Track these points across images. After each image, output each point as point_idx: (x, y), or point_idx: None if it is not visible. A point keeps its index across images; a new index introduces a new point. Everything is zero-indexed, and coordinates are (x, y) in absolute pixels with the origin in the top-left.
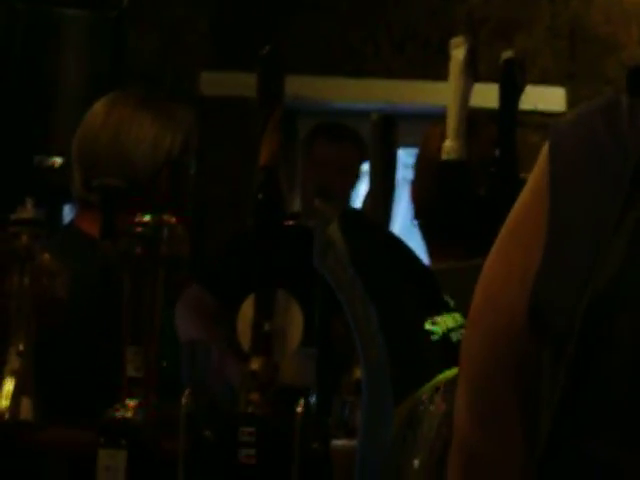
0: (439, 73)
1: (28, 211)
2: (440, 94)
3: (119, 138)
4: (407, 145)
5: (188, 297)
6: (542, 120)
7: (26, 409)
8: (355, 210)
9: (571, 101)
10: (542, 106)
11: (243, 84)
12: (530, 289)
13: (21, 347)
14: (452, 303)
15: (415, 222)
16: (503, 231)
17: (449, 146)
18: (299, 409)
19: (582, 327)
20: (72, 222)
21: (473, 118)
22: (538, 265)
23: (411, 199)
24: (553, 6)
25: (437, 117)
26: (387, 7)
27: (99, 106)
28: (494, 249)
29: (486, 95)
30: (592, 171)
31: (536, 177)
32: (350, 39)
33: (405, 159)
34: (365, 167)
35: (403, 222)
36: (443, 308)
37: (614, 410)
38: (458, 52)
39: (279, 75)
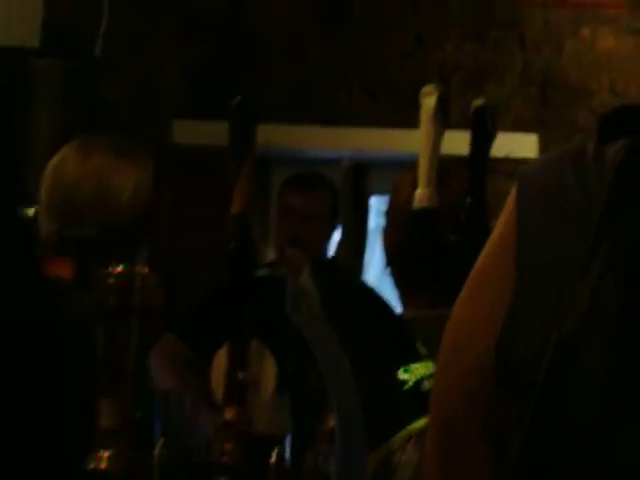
0: (412, 121)
1: None
2: (413, 142)
3: (102, 187)
4: (381, 192)
5: (162, 346)
6: (514, 167)
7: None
8: (326, 259)
9: (543, 148)
10: (514, 153)
11: (217, 132)
12: (497, 334)
13: None
14: (424, 351)
15: (387, 270)
16: (471, 276)
17: (420, 194)
18: (273, 459)
19: (547, 372)
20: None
21: (444, 166)
22: (505, 312)
23: (383, 247)
24: (525, 54)
25: (410, 164)
26: (360, 55)
27: (71, 154)
28: (462, 295)
29: (458, 143)
30: (559, 217)
31: (503, 222)
32: (323, 87)
33: (379, 206)
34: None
35: (378, 269)
36: (416, 356)
37: (579, 453)
38: (429, 100)
39: (251, 124)
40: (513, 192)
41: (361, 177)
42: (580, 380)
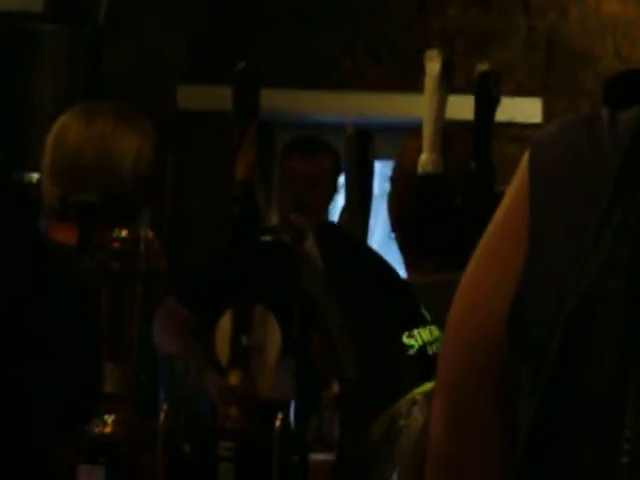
0: (416, 85)
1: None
2: (417, 106)
3: (105, 152)
4: (385, 158)
5: (165, 311)
6: (518, 132)
7: None
8: (331, 224)
9: (547, 113)
10: (519, 118)
11: (220, 98)
12: (510, 300)
13: None
14: (428, 316)
15: (393, 235)
16: (483, 242)
17: (425, 159)
18: (278, 423)
19: (560, 337)
20: (44, 235)
21: (449, 131)
22: (519, 276)
23: (388, 213)
24: (529, 19)
25: (415, 129)
26: (363, 19)
27: (74, 119)
28: (473, 260)
29: (462, 107)
30: (573, 183)
31: (516, 188)
32: (327, 52)
33: (383, 171)
34: (342, 180)
35: (382, 235)
36: (420, 321)
37: (591, 418)
38: (433, 65)
39: (254, 90)
40: (525, 159)
41: (365, 143)
42: (594, 348)
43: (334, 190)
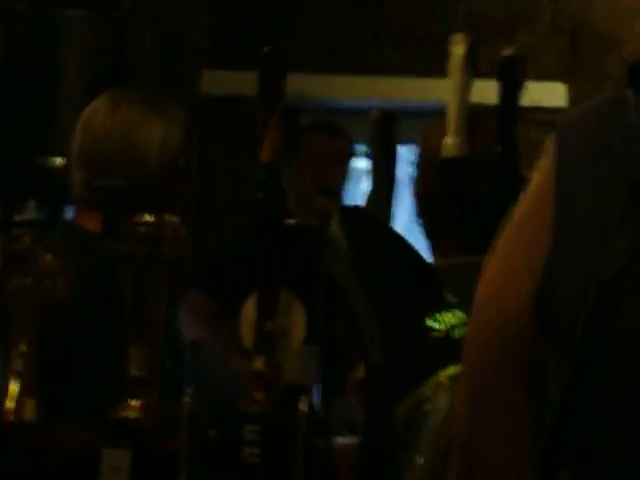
0: (441, 69)
1: (29, 212)
2: (442, 91)
3: (129, 139)
4: (409, 142)
5: (189, 301)
6: (543, 116)
7: (30, 410)
8: (356, 207)
9: (572, 97)
10: (544, 102)
11: (245, 82)
12: (536, 284)
13: (24, 348)
14: (453, 300)
15: (418, 219)
16: (508, 226)
17: (450, 143)
18: (302, 407)
19: (587, 319)
20: (72, 222)
21: (474, 114)
22: (543, 259)
23: (413, 197)
24: (555, 3)
25: (440, 114)
26: (389, 3)
27: (101, 106)
28: (499, 244)
29: (487, 92)
30: (599, 165)
31: (542, 171)
32: (352, 36)
33: (409, 156)
34: (359, 164)
35: (406, 221)
36: (444, 305)
37: (618, 403)
38: (458, 49)
39: (280, 74)
40: (551, 142)
41: (390, 126)
42: (620, 327)
43: (348, 174)
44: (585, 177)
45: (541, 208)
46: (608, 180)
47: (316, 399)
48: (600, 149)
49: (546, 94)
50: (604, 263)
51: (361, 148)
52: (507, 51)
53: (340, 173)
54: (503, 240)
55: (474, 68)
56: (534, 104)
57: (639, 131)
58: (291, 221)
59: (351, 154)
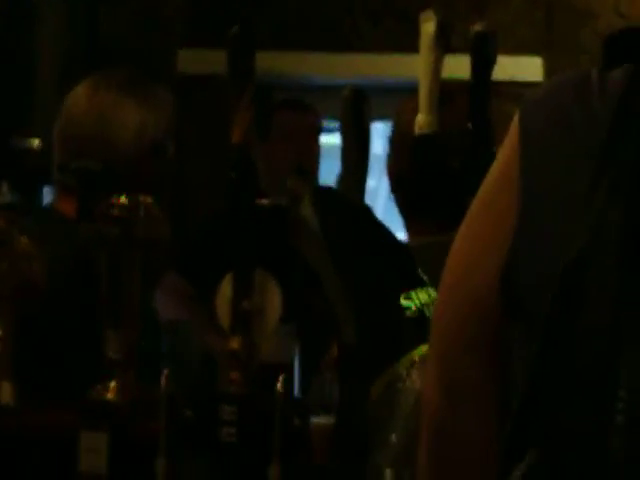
0: (416, 46)
1: (3, 195)
2: (417, 66)
3: (104, 123)
4: (386, 119)
5: (166, 284)
6: (519, 90)
7: (7, 393)
8: (327, 187)
9: (548, 71)
10: (520, 76)
11: (221, 61)
12: (502, 261)
13: (0, 332)
14: (426, 278)
15: (392, 196)
16: (474, 205)
17: (422, 120)
18: (279, 387)
19: (553, 298)
20: (50, 205)
21: (446, 90)
22: (510, 238)
23: (387, 173)
24: None
25: (415, 90)
26: None
27: (81, 90)
28: (464, 224)
29: (461, 67)
30: (562, 143)
31: (506, 150)
32: (326, 13)
33: (386, 132)
34: (334, 141)
35: (386, 196)
36: (417, 283)
37: (583, 383)
38: (428, 26)
39: (249, 54)
40: (515, 119)
41: (361, 104)
42: (586, 310)
43: (320, 150)
44: (548, 154)
45: (506, 187)
46: (572, 159)
47: (293, 378)
48: (562, 126)
49: (522, 68)
50: (569, 243)
51: (336, 125)
52: (478, 27)
53: (314, 149)
54: (469, 220)
55: (446, 44)
56: (510, 78)
57: (601, 109)
58: (264, 201)
59: (321, 130)
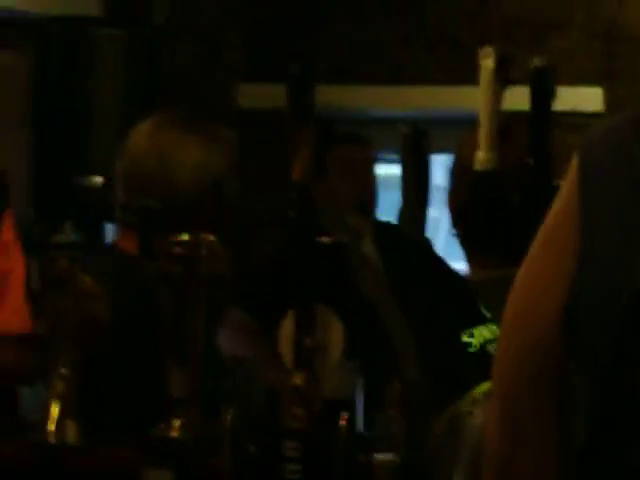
0: (475, 77)
1: (67, 234)
2: (476, 99)
3: (164, 162)
4: (447, 151)
5: (231, 319)
6: (580, 121)
7: (72, 432)
8: (389, 224)
9: (609, 101)
10: (580, 107)
11: (282, 96)
12: (563, 302)
13: (64, 371)
14: (488, 315)
15: (453, 231)
16: (535, 244)
17: (482, 157)
18: (343, 423)
19: (616, 334)
20: (113, 243)
21: (507, 124)
22: (571, 276)
23: (448, 207)
24: (588, 6)
25: (473, 123)
26: (420, 9)
27: (143, 128)
28: (526, 260)
29: (522, 99)
30: (622, 180)
31: (567, 188)
32: (384, 45)
33: (448, 164)
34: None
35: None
36: (479, 320)
37: None
38: (487, 62)
39: (309, 91)
40: (575, 159)
41: (420, 140)
42: None
43: (378, 182)
44: (609, 194)
45: (567, 224)
46: (631, 196)
47: (356, 414)
48: (622, 164)
49: (582, 98)
50: (630, 281)
51: (394, 157)
52: (538, 61)
53: (372, 182)
54: (530, 256)
55: (505, 80)
56: (571, 109)
57: None
58: (325, 239)
59: (376, 162)
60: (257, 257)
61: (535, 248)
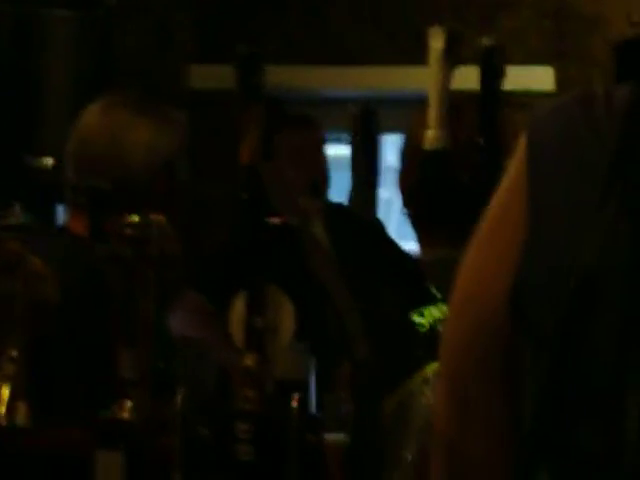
0: (426, 58)
1: (16, 216)
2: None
3: (115, 142)
4: (398, 131)
5: (185, 301)
6: (531, 100)
7: (21, 414)
8: (338, 204)
9: (559, 80)
10: (531, 86)
11: (232, 76)
12: (511, 281)
13: (14, 353)
14: (439, 295)
15: (404, 211)
16: (482, 222)
17: (431, 136)
18: (294, 404)
19: (563, 316)
20: (64, 224)
21: (456, 103)
22: (519, 256)
23: (398, 187)
24: None
25: (423, 103)
26: None
27: (94, 109)
28: (474, 239)
29: (472, 78)
30: (570, 162)
31: (514, 168)
32: (335, 26)
33: (398, 144)
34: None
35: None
36: (429, 300)
37: (595, 399)
38: (436, 42)
39: (258, 72)
40: (523, 138)
41: (370, 121)
42: (595, 327)
43: (328, 163)
44: (557, 174)
45: (515, 203)
46: (579, 177)
47: (308, 396)
48: (570, 145)
49: (533, 78)
50: (578, 260)
51: (345, 136)
52: (487, 40)
53: (323, 164)
54: (477, 236)
55: (454, 59)
56: (521, 88)
57: (608, 127)
58: (275, 220)
59: (325, 143)
60: (210, 239)
61: (483, 227)
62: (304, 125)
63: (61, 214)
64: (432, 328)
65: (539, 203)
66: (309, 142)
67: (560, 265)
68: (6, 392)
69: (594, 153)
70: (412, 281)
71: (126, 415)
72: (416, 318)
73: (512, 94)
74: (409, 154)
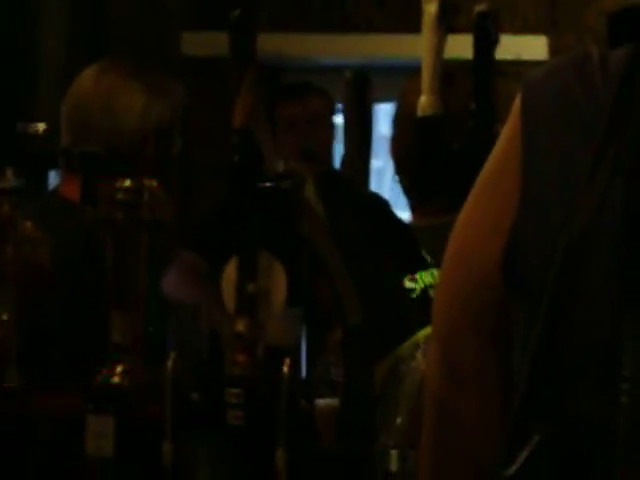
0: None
1: (8, 180)
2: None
3: (109, 108)
4: (392, 99)
5: (179, 263)
6: (524, 70)
7: (12, 377)
8: (331, 170)
9: (553, 50)
10: (524, 55)
11: (225, 43)
12: (504, 243)
13: (4, 316)
14: (430, 260)
15: (396, 178)
16: (476, 185)
17: (424, 102)
18: (285, 369)
19: (556, 277)
20: (56, 189)
21: (449, 71)
22: (513, 218)
23: (391, 155)
24: None
25: (417, 71)
26: None
27: (87, 75)
28: (467, 204)
29: (466, 47)
30: (564, 123)
31: (509, 130)
32: None
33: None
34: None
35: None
36: (421, 265)
37: (590, 361)
38: (430, 7)
39: (251, 36)
40: (517, 100)
41: (363, 87)
42: (589, 287)
43: (331, 131)
44: (551, 135)
45: (508, 168)
46: (574, 138)
47: (299, 361)
48: (564, 106)
49: (527, 47)
50: (572, 220)
51: (340, 106)
52: (480, 7)
53: (322, 133)
54: (471, 201)
55: (448, 25)
56: (515, 57)
57: (603, 88)
58: (266, 184)
59: (331, 111)
60: (203, 204)
61: (476, 190)
62: (298, 98)
63: (53, 180)
64: (424, 293)
65: (534, 164)
66: (304, 114)
67: (553, 229)
68: None
69: (589, 115)
70: (405, 247)
71: (117, 380)
72: (408, 283)
73: (506, 63)
74: (402, 122)
